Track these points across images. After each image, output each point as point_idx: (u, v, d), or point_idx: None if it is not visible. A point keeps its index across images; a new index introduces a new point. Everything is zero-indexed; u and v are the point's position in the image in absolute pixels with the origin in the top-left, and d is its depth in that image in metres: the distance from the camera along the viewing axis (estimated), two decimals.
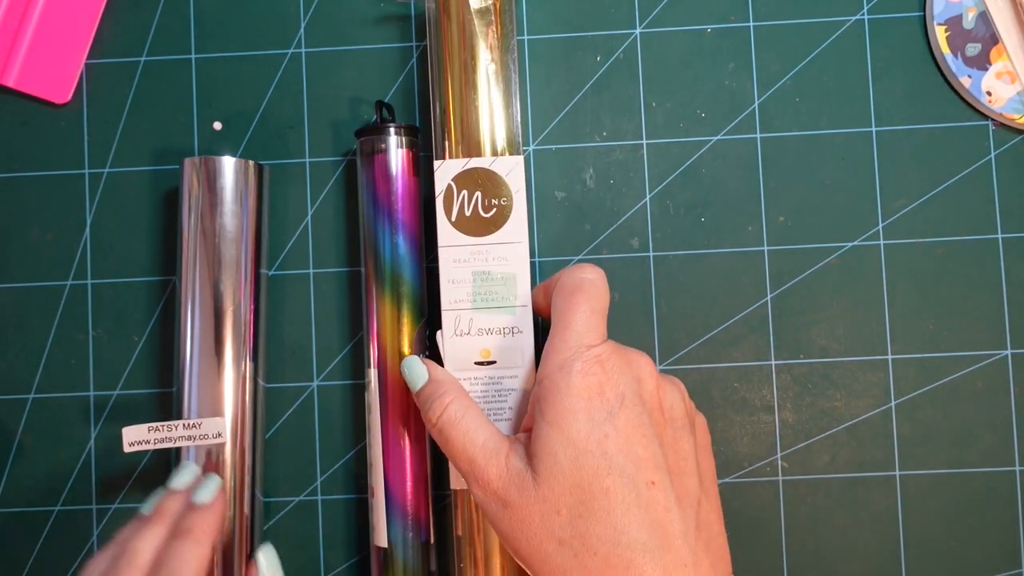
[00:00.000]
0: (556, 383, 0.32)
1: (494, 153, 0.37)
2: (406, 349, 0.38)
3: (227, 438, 0.38)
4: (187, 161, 0.39)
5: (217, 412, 0.38)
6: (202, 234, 0.38)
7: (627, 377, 0.32)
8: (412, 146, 0.39)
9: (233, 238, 0.38)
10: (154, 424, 0.37)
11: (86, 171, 0.42)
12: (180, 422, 0.37)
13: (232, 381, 0.38)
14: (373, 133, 0.39)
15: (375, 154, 0.39)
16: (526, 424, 0.34)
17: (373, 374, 0.38)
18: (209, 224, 0.38)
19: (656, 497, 0.30)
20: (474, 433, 0.33)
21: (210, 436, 0.37)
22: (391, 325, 0.38)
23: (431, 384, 0.35)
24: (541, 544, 0.31)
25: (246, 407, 0.38)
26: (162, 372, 0.42)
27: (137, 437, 0.37)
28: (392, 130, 0.39)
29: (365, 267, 0.39)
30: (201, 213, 0.38)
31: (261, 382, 0.40)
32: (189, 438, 0.37)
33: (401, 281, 0.38)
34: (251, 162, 0.39)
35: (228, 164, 0.39)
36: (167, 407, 0.42)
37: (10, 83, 0.42)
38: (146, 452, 0.41)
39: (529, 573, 0.32)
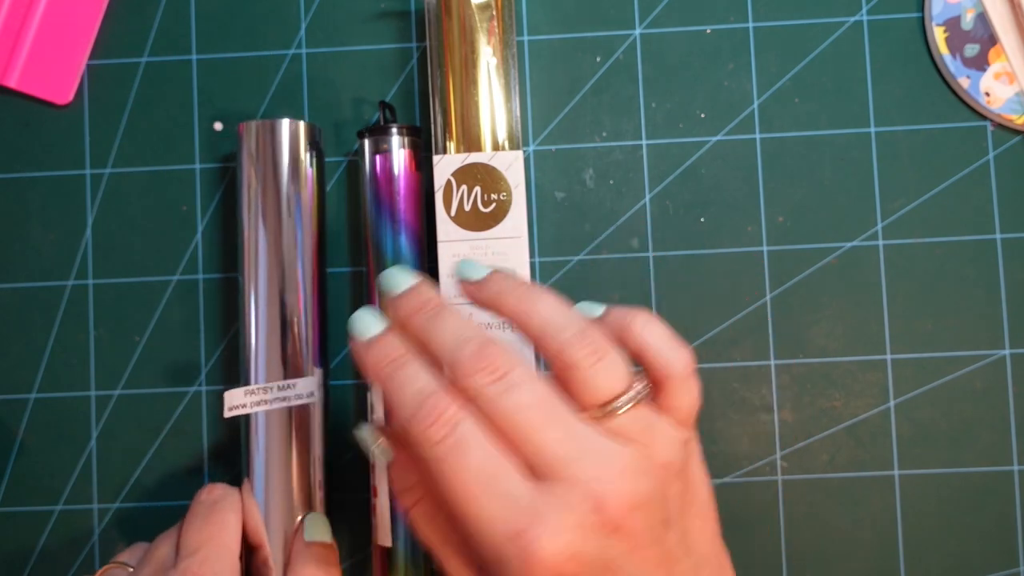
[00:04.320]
0: None
1: (495, 149, 0.37)
2: None
3: (318, 397, 0.38)
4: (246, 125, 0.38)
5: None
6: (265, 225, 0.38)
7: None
8: (414, 146, 0.39)
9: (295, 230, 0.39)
10: (250, 387, 0.37)
11: (87, 171, 0.42)
12: (275, 383, 0.37)
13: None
14: (376, 133, 0.39)
15: (378, 154, 0.39)
16: None
17: None
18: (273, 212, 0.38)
19: None
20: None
21: (304, 396, 0.38)
22: None
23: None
24: None
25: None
26: (164, 372, 0.42)
27: (236, 401, 0.37)
28: (395, 130, 0.39)
29: (368, 267, 0.39)
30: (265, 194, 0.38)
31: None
32: (284, 399, 0.37)
33: None
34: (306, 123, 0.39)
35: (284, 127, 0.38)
36: (168, 407, 0.42)
37: (12, 84, 0.42)
38: (147, 452, 0.42)
39: None
